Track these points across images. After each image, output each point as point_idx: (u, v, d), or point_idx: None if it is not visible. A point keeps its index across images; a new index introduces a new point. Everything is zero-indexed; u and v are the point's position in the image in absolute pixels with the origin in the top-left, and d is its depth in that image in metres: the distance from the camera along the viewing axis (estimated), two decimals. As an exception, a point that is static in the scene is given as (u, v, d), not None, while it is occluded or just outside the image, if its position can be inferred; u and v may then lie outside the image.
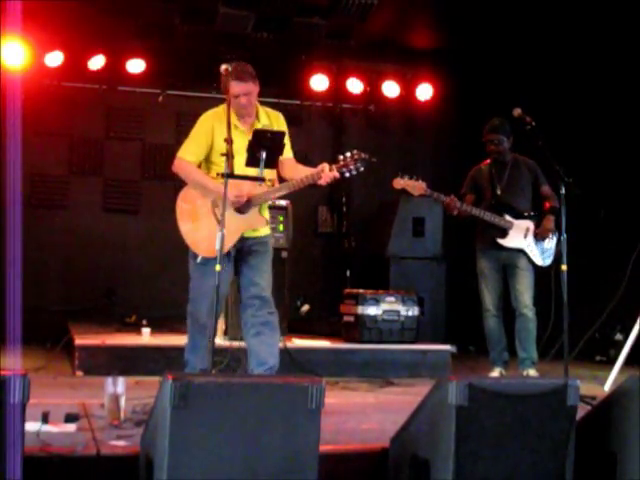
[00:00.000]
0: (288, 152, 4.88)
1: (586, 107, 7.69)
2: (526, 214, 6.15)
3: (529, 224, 6.13)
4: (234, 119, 4.72)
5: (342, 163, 4.66)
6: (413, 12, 8.26)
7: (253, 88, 4.73)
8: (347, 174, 4.68)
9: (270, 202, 5.02)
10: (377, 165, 4.90)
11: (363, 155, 4.67)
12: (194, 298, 4.77)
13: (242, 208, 4.72)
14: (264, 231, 4.90)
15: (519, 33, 8.09)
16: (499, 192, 6.16)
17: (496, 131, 6.15)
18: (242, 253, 4.81)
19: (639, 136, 7.35)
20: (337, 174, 4.66)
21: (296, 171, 4.86)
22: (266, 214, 4.90)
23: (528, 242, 6.11)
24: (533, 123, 5.12)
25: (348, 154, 4.67)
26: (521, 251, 6.10)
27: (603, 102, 7.57)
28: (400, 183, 5.83)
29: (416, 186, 5.83)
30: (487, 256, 6.20)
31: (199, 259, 4.70)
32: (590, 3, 7.32)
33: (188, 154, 4.76)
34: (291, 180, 4.78)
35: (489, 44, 8.43)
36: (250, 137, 4.47)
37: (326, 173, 4.63)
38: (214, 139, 4.70)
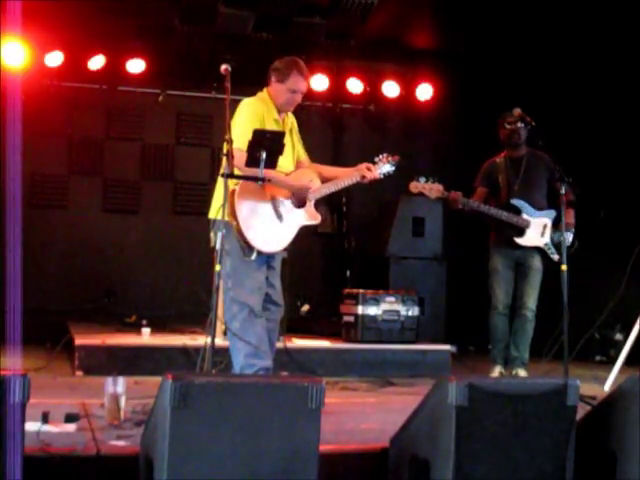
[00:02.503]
0: (303, 153, 4.93)
1: (586, 107, 7.68)
2: (543, 210, 6.06)
3: (546, 221, 6.05)
4: (275, 114, 4.70)
5: (381, 164, 4.88)
6: (413, 12, 8.26)
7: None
8: (381, 176, 4.91)
9: None
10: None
11: (396, 157, 4.93)
12: (243, 299, 4.52)
13: (300, 202, 4.73)
14: None
15: (519, 33, 8.08)
16: (516, 188, 6.06)
17: (522, 119, 6.01)
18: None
19: (639, 136, 7.35)
20: (378, 175, 4.87)
21: (320, 169, 4.91)
22: None
23: (545, 239, 6.06)
24: (533, 123, 5.12)
25: (381, 156, 4.90)
26: (537, 249, 6.05)
27: (603, 102, 7.57)
28: (417, 187, 5.74)
29: (433, 189, 5.73)
30: (502, 254, 6.12)
31: (254, 255, 4.50)
32: (590, 3, 7.33)
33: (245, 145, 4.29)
34: (335, 179, 4.88)
35: (489, 44, 8.43)
36: (287, 132, 4.52)
37: (371, 173, 4.81)
38: (265, 127, 4.51)
